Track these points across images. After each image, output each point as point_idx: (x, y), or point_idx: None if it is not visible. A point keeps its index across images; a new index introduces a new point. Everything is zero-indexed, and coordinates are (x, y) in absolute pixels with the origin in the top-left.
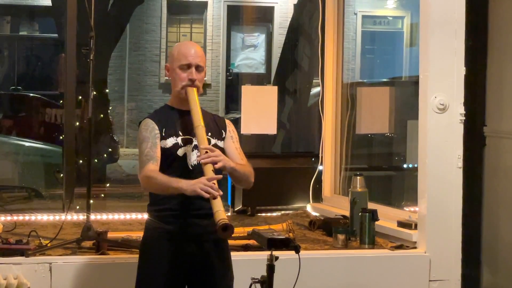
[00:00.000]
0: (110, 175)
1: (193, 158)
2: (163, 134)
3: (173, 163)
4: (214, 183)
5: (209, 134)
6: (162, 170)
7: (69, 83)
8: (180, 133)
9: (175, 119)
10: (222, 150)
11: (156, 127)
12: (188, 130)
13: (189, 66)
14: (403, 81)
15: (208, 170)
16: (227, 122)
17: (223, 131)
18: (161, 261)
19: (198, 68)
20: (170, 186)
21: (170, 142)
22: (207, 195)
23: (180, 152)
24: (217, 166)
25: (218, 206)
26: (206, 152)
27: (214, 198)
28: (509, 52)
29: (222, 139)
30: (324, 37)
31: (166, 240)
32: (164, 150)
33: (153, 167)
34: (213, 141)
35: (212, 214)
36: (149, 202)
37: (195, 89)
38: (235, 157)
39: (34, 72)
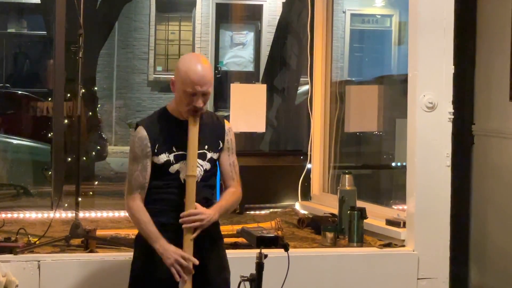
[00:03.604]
0: (98, 172)
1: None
2: (156, 151)
3: (166, 176)
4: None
5: (206, 147)
6: (158, 179)
7: (58, 80)
8: (174, 149)
9: (171, 131)
10: (216, 162)
11: (149, 144)
12: (182, 145)
13: (195, 94)
14: (392, 79)
15: (187, 239)
16: (227, 128)
17: (220, 142)
18: (156, 254)
19: (205, 94)
20: (148, 240)
21: (162, 158)
22: (177, 278)
23: (171, 169)
24: (194, 235)
25: None
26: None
27: (184, 281)
28: (497, 51)
29: (219, 150)
30: (313, 35)
31: (161, 233)
32: (156, 165)
33: (139, 201)
34: (209, 155)
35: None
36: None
37: (196, 122)
38: (227, 175)
39: (22, 70)
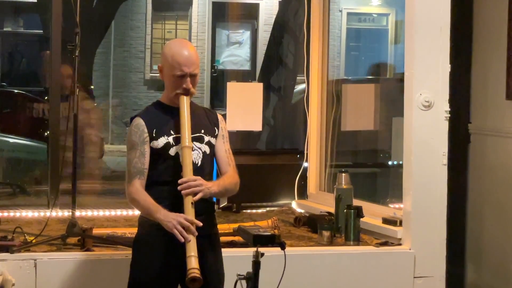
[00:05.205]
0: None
1: None
2: (154, 135)
3: (166, 161)
4: (192, 221)
5: (202, 131)
6: (156, 169)
7: (55, 79)
8: (172, 132)
9: (167, 117)
10: (214, 148)
11: (146, 130)
12: (179, 129)
13: (184, 76)
14: (388, 78)
15: (188, 203)
16: (219, 118)
17: (215, 128)
18: (155, 257)
19: (193, 76)
20: (150, 215)
21: (161, 142)
22: (181, 239)
23: (171, 151)
24: (195, 198)
25: (191, 250)
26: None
27: (188, 241)
28: (493, 49)
29: (215, 136)
30: (309, 34)
31: (160, 236)
32: (155, 151)
33: (138, 185)
34: (206, 138)
35: (205, 211)
36: None
37: (187, 98)
38: (224, 161)
39: (18, 68)
